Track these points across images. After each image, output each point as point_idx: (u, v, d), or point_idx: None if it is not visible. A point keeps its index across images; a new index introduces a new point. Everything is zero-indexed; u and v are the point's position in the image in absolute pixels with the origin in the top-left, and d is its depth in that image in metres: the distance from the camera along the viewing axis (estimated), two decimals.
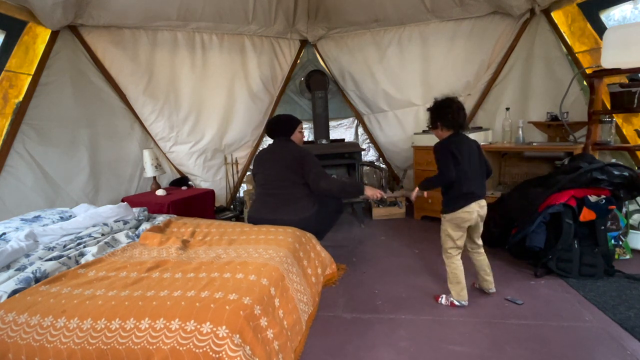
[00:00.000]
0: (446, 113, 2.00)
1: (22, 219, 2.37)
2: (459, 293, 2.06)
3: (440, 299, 2.13)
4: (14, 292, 1.55)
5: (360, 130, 4.60)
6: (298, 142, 2.69)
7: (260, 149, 4.39)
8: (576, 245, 2.35)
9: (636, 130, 2.80)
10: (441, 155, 2.00)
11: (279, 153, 2.58)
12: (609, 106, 2.82)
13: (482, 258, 2.14)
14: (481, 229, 2.09)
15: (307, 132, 4.38)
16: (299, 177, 2.48)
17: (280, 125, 2.67)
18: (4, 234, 2.13)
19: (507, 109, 3.45)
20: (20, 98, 2.80)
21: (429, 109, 2.10)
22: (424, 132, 3.79)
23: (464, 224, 1.99)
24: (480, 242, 2.13)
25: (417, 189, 2.14)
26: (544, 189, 2.52)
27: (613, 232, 2.52)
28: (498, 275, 2.42)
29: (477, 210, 1.99)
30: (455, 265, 2.05)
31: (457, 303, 2.07)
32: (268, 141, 4.43)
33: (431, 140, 3.57)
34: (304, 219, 2.44)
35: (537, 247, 2.38)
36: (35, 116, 2.88)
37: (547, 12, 3.20)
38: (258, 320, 1.40)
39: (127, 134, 3.61)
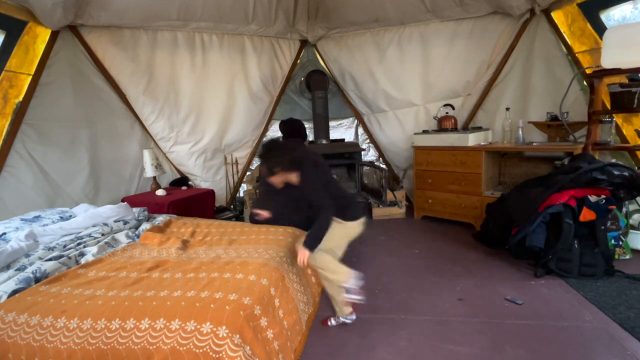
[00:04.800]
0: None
1: (22, 219, 2.37)
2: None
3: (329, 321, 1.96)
4: (14, 292, 1.55)
5: (360, 130, 4.59)
6: None
7: None
8: (576, 245, 2.35)
9: (636, 130, 2.80)
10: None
11: None
12: (609, 106, 2.82)
13: None
14: None
15: (307, 132, 4.38)
16: None
17: (298, 129, 2.86)
18: (4, 234, 2.13)
19: (507, 109, 3.45)
20: (20, 98, 2.80)
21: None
22: (424, 132, 3.80)
23: None
24: None
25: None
26: (544, 189, 2.51)
27: (613, 232, 2.51)
28: (498, 275, 2.43)
29: None
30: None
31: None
32: None
33: (431, 140, 3.62)
34: (307, 219, 2.44)
35: (537, 247, 2.38)
36: (35, 116, 2.88)
37: (547, 12, 3.20)
38: (258, 320, 1.40)
39: (127, 134, 3.61)
